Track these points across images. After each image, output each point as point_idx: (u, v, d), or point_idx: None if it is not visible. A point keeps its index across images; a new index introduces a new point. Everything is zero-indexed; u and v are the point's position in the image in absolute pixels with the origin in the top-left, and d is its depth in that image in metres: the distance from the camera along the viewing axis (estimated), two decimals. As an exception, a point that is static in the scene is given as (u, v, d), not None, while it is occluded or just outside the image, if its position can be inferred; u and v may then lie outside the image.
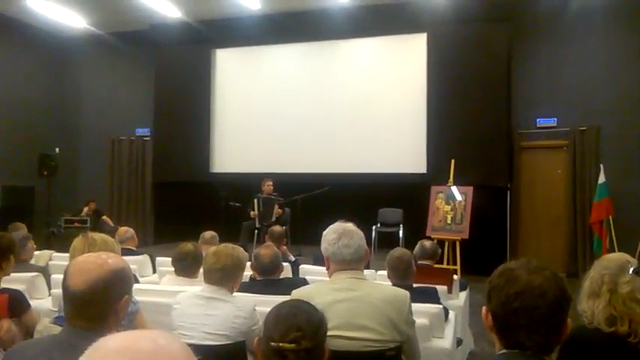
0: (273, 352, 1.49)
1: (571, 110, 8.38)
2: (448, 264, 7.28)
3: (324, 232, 2.34)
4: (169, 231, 9.54)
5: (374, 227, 8.20)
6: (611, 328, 1.86)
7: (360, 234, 2.31)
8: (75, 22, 10.02)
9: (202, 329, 2.46)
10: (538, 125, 8.61)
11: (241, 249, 2.80)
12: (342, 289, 2.20)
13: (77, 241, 2.38)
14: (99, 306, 1.49)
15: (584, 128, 8.28)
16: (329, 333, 1.67)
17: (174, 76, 10.34)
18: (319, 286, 2.35)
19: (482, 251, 7.57)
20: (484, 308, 1.43)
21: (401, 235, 8.10)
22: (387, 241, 7.83)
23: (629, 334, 1.84)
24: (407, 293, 2.26)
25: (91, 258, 1.55)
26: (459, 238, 7.34)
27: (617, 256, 2.03)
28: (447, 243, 7.41)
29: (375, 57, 9.45)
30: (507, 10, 8.53)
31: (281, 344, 1.48)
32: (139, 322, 2.48)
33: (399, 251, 3.48)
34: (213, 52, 10.34)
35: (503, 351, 1.38)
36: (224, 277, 2.61)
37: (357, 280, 2.23)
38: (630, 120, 8.07)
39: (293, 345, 1.48)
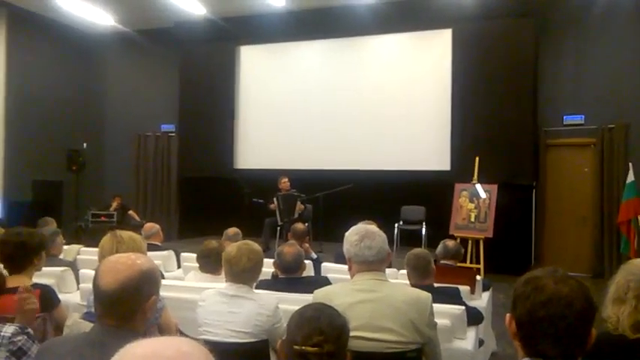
0: (296, 355, 1.52)
1: (599, 107, 8.22)
2: (471, 263, 7.22)
3: (347, 234, 2.35)
4: (194, 226, 9.69)
5: (396, 225, 8.18)
6: (636, 334, 1.84)
7: (382, 236, 2.32)
8: (102, 19, 10.19)
9: (227, 327, 2.51)
10: (565, 123, 8.46)
11: (255, 244, 2.84)
12: (364, 290, 2.21)
13: (105, 240, 2.43)
14: (128, 305, 1.53)
15: (612, 126, 8.11)
16: (350, 334, 1.69)
17: (199, 72, 10.45)
18: (341, 286, 2.36)
19: (506, 251, 7.52)
20: (508, 316, 1.42)
21: (423, 233, 8.05)
22: (409, 239, 7.81)
23: (655, 342, 1.82)
24: (429, 295, 2.26)
25: (122, 259, 1.60)
26: (483, 236, 7.27)
27: (644, 262, 2.01)
28: (470, 242, 7.35)
29: (400, 53, 9.39)
30: (533, 5, 8.41)
31: (304, 347, 1.51)
32: (165, 319, 2.53)
33: (417, 250, 3.52)
34: (238, 49, 10.41)
35: (526, 359, 1.37)
36: (246, 275, 2.66)
37: (378, 282, 2.24)
38: (661, 118, 7.88)
39: (316, 348, 1.51)
